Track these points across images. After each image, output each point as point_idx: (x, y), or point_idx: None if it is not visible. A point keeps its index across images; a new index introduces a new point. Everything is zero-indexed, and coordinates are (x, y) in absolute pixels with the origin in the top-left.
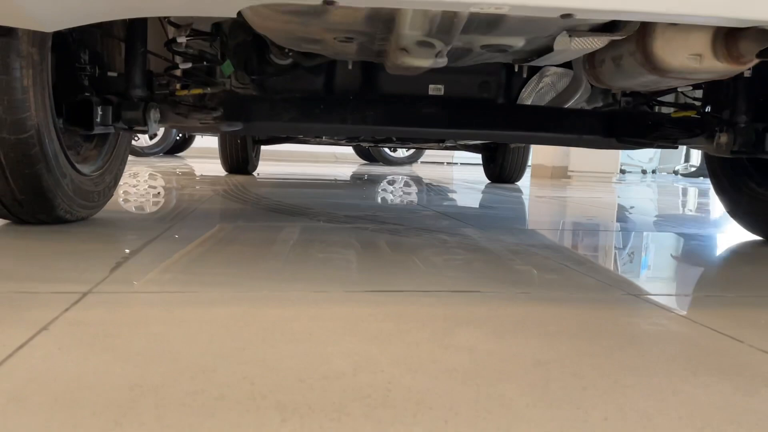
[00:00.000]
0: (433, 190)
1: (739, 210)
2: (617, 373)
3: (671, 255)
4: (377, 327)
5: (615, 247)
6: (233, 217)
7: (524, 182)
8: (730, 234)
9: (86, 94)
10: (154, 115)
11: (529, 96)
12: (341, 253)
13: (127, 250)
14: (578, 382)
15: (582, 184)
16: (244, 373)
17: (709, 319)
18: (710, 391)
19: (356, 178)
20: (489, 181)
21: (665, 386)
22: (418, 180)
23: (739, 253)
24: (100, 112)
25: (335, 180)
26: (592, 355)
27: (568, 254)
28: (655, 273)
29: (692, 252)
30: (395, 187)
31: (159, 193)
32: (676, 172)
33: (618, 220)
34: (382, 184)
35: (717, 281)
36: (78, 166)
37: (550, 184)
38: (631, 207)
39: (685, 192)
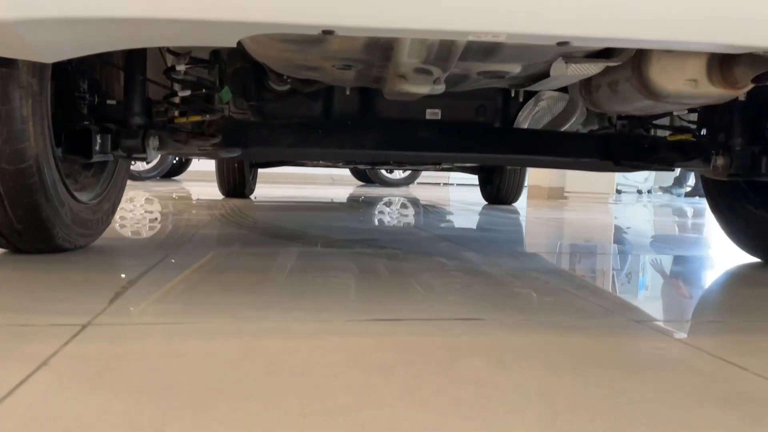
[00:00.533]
0: (430, 213)
1: (736, 231)
2: (624, 404)
3: (670, 278)
4: (380, 358)
5: (614, 269)
6: (231, 242)
7: (521, 203)
8: (728, 256)
9: (85, 122)
10: (153, 142)
11: (525, 120)
12: (340, 280)
13: (126, 280)
14: (585, 414)
15: (578, 204)
16: (246, 409)
17: (712, 346)
18: (717, 423)
19: (353, 200)
20: (486, 203)
21: (674, 418)
22: (415, 202)
23: (738, 276)
24: (98, 141)
25: (332, 202)
26: (597, 386)
27: (568, 278)
28: (655, 297)
29: (691, 275)
30: (392, 209)
31: (156, 218)
32: (671, 191)
33: (616, 242)
34: (379, 207)
35: (718, 305)
36: (76, 194)
37: (546, 205)
38: (628, 227)
39: (680, 212)
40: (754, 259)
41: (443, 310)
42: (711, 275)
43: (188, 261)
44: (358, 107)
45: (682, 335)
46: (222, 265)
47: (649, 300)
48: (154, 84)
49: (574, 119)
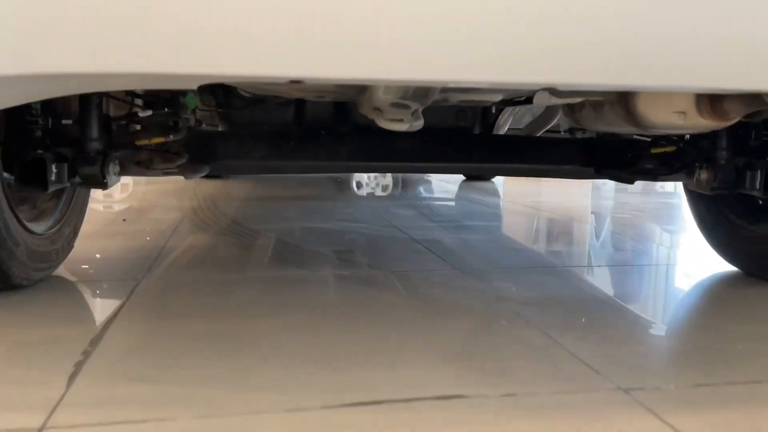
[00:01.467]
0: (405, 197)
1: (718, 241)
2: None
3: (657, 304)
4: None
5: (595, 294)
6: (200, 265)
7: (499, 179)
8: (717, 266)
9: (39, 150)
10: (113, 168)
11: (506, 122)
12: (311, 334)
13: (88, 339)
14: None
15: (556, 181)
16: None
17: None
18: None
19: (329, 178)
20: (464, 179)
21: None
22: (395, 181)
23: (729, 300)
24: (54, 170)
25: (305, 183)
26: None
27: (552, 314)
28: (640, 338)
29: (677, 298)
30: (369, 188)
31: (123, 219)
32: None
33: (598, 246)
34: (352, 189)
35: (712, 355)
36: (33, 225)
37: (524, 181)
38: (608, 210)
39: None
40: (735, 269)
41: (423, 380)
42: (700, 296)
43: (155, 303)
44: (332, 114)
45: (674, 415)
46: (191, 312)
47: (634, 346)
48: (114, 99)
49: (555, 120)
